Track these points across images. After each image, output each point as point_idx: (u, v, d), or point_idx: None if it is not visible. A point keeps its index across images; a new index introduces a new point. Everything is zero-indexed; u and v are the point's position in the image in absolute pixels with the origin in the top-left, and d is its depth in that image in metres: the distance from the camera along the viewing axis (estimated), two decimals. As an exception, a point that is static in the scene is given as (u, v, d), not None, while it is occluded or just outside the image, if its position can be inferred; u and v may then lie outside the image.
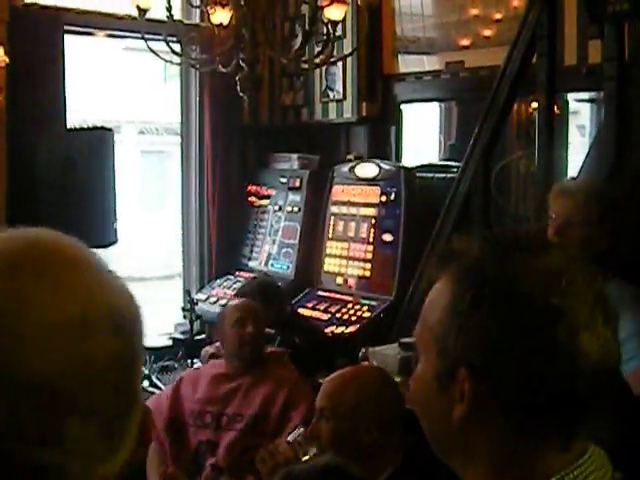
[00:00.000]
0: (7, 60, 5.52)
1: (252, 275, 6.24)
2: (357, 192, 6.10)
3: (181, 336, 6.47)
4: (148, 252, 15.27)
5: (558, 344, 1.14)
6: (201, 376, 4.14)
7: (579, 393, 1.15)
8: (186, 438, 4.03)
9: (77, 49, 6.44)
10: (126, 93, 15.62)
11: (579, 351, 1.14)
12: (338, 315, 5.74)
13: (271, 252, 6.61)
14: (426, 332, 1.25)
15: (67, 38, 6.06)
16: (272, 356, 4.16)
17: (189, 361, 5.81)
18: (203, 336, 6.74)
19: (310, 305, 5.95)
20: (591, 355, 1.14)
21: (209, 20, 4.84)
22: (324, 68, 6.22)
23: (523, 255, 1.20)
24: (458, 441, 1.23)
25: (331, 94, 6.63)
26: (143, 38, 4.82)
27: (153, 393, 4.96)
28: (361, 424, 2.80)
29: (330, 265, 6.21)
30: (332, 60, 5.28)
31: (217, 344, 5.40)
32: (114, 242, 5.84)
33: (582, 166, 5.44)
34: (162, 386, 5.64)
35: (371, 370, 3.15)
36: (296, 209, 6.49)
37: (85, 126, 6.31)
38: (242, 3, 4.69)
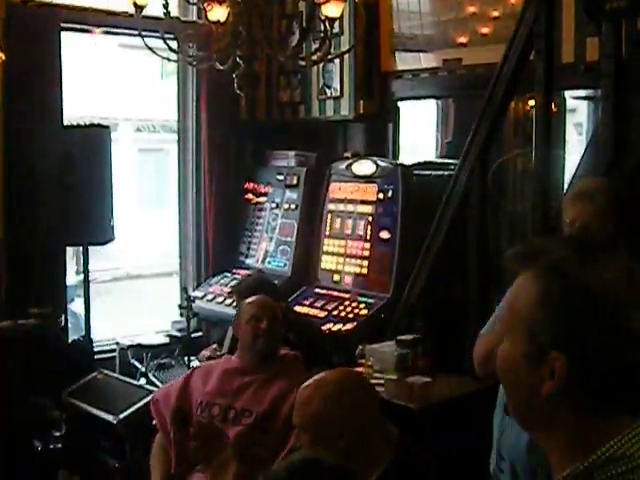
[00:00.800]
0: (3, 57, 5.51)
1: (248, 273, 6.23)
2: (354, 189, 6.10)
3: (178, 334, 6.48)
4: (145, 250, 15.26)
5: (634, 331, 1.34)
6: (213, 369, 4.12)
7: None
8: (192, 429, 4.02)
9: (73, 46, 6.42)
10: (122, 90, 15.60)
11: None
12: (335, 312, 5.74)
13: (268, 249, 6.62)
14: (513, 318, 1.43)
15: (63, 35, 6.06)
16: (286, 358, 4.14)
17: (186, 359, 5.80)
18: (200, 334, 6.75)
19: (307, 302, 5.95)
20: None
21: (206, 17, 4.82)
22: (321, 65, 6.21)
23: (600, 254, 1.41)
24: (542, 413, 1.41)
25: (328, 91, 6.63)
26: (140, 35, 4.80)
27: (150, 391, 4.96)
28: (331, 431, 2.80)
29: (327, 262, 6.21)
30: (329, 57, 5.28)
31: (214, 346, 5.40)
32: (111, 240, 5.84)
33: (579, 164, 5.44)
34: (159, 383, 5.64)
35: (333, 375, 3.12)
36: (293, 206, 6.49)
37: (82, 123, 6.29)
38: (239, 0, 4.68)
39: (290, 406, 3.78)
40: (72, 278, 8.12)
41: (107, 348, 6.39)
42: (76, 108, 8.13)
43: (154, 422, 4.10)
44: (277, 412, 3.85)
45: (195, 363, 5.37)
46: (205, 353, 5.26)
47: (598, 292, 1.34)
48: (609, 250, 1.44)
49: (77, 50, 7.70)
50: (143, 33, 4.77)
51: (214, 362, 4.38)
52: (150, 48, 4.90)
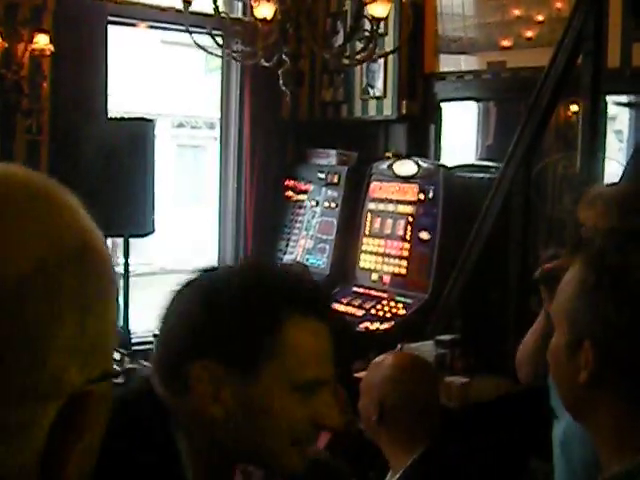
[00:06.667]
0: (52, 48, 5.57)
1: (291, 263, 6.23)
2: (395, 189, 6.10)
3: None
4: (180, 245, 15.32)
5: None
6: None
7: None
8: None
9: (116, 40, 6.47)
10: (163, 86, 15.67)
11: None
12: (373, 311, 5.75)
13: (307, 247, 6.63)
14: (559, 308, 1.47)
15: (109, 29, 6.11)
16: None
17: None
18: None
19: (345, 301, 5.96)
20: None
21: (252, 14, 4.85)
22: (365, 65, 6.22)
23: (638, 246, 1.43)
24: (584, 402, 1.44)
25: (371, 91, 6.64)
26: (188, 31, 4.83)
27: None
28: (372, 400, 2.82)
29: (365, 261, 6.22)
30: (374, 57, 5.29)
31: None
32: (152, 232, 5.88)
33: (623, 173, 5.41)
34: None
35: (407, 357, 3.16)
36: (333, 205, 6.50)
37: (125, 116, 6.34)
38: (287, -3, 4.71)
39: None
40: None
41: (145, 340, 6.42)
42: (118, 103, 8.19)
43: None
44: None
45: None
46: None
47: (630, 282, 1.37)
48: None
49: (120, 45, 7.74)
50: (189, 29, 4.82)
51: None
52: (198, 44, 4.94)
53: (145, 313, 7.57)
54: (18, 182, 0.79)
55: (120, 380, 0.82)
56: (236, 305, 1.42)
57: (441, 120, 6.56)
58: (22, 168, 0.81)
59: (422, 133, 6.54)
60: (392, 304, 5.74)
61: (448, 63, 6.43)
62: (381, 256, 6.09)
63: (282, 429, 1.43)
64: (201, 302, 1.45)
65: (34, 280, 0.72)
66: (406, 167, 6.05)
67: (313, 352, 1.46)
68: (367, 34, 4.79)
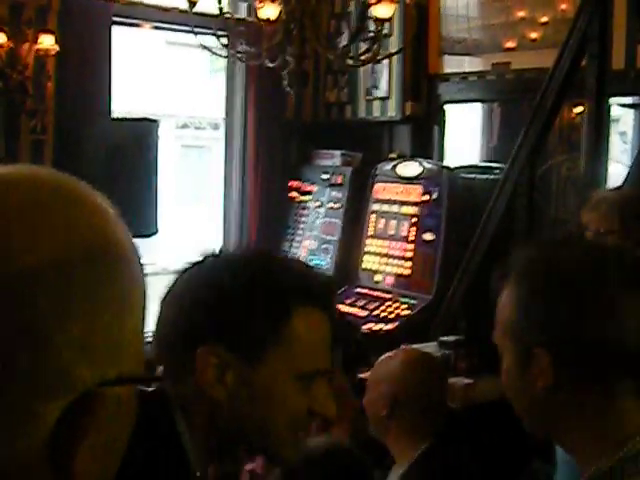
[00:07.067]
0: (57, 48, 5.57)
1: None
2: (399, 190, 6.10)
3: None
4: (182, 245, 15.32)
5: (600, 314, 1.37)
6: None
7: (625, 354, 1.36)
8: None
9: (121, 41, 6.48)
10: (168, 87, 15.67)
11: (621, 316, 1.37)
12: (376, 312, 5.75)
13: (311, 248, 6.63)
14: (501, 330, 1.47)
15: (113, 29, 6.11)
16: None
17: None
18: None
19: (348, 302, 5.95)
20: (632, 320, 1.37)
21: (256, 15, 4.85)
22: (369, 66, 6.21)
23: (566, 251, 1.47)
24: (548, 412, 1.43)
25: (375, 92, 6.64)
26: (192, 31, 4.84)
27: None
28: (380, 395, 2.83)
29: (369, 262, 6.22)
30: (378, 58, 5.29)
31: None
32: (156, 232, 5.88)
33: (627, 175, 5.40)
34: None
35: (417, 352, 3.18)
36: (337, 206, 6.50)
37: (129, 117, 6.36)
38: (291, -2, 4.71)
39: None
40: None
41: (149, 340, 6.42)
42: (122, 103, 8.20)
43: None
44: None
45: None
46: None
47: (560, 283, 1.40)
48: (574, 241, 1.56)
49: (125, 46, 7.75)
50: (194, 29, 4.82)
51: None
52: (203, 44, 4.94)
53: (149, 313, 7.59)
54: (43, 179, 0.80)
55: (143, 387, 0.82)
56: (247, 292, 1.43)
57: (445, 121, 6.56)
58: (51, 170, 0.82)
59: (426, 134, 6.54)
60: (396, 305, 5.74)
61: (452, 64, 6.44)
62: (385, 257, 6.09)
63: (282, 415, 1.45)
64: (210, 286, 1.45)
65: (48, 273, 0.73)
66: (410, 168, 6.05)
67: (318, 343, 1.49)
68: (371, 35, 4.80)
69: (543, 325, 1.39)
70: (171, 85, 15.70)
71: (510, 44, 6.08)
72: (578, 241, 1.63)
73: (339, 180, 6.52)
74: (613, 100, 6.02)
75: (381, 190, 6.26)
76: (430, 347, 4.87)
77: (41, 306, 0.72)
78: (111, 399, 0.77)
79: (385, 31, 5.16)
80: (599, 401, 1.37)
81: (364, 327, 5.56)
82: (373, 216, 6.28)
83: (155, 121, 6.02)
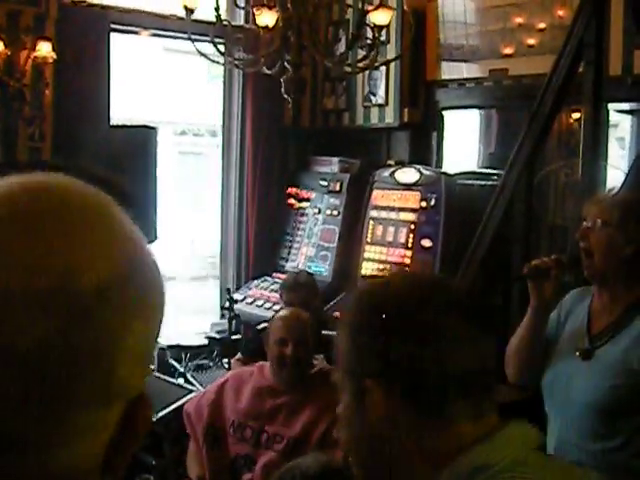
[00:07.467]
0: (55, 56, 5.58)
1: (296, 271, 6.23)
2: (397, 197, 6.10)
3: (217, 335, 6.50)
4: (180, 252, 15.33)
5: (420, 341, 1.35)
6: (246, 382, 4.02)
7: (451, 376, 1.35)
8: (225, 446, 3.94)
9: (119, 48, 6.49)
10: (165, 94, 15.68)
11: (439, 341, 1.36)
12: (375, 319, 5.73)
13: (309, 254, 6.63)
14: (339, 372, 1.46)
15: (111, 36, 6.12)
16: (319, 375, 4.04)
17: (224, 360, 5.82)
18: (238, 336, 6.77)
19: (347, 308, 5.94)
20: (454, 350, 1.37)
21: (254, 22, 4.86)
22: (366, 73, 6.23)
23: (390, 285, 1.48)
24: (384, 445, 1.40)
25: (373, 99, 6.65)
26: (190, 39, 4.84)
27: (189, 390, 4.98)
28: None
29: (368, 269, 6.21)
30: (376, 65, 5.29)
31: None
32: (154, 239, 5.88)
33: (624, 180, 5.40)
34: (196, 384, 5.65)
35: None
36: (335, 212, 6.50)
37: (127, 124, 6.36)
38: (289, 5, 4.71)
39: (321, 431, 3.73)
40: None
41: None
42: (120, 110, 8.21)
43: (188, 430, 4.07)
44: (308, 438, 3.76)
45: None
46: (240, 358, 5.27)
47: (382, 314, 1.39)
48: (401, 275, 1.63)
49: (123, 53, 7.76)
50: (191, 36, 4.82)
51: (247, 370, 4.27)
52: (200, 51, 4.94)
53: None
54: (77, 195, 0.82)
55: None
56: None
57: (443, 127, 6.56)
58: (70, 179, 0.83)
59: (424, 141, 6.55)
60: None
61: (450, 71, 6.45)
62: (383, 263, 6.09)
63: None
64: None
65: (109, 291, 0.76)
66: (408, 175, 6.06)
67: None
68: (369, 42, 4.81)
69: (370, 357, 1.39)
70: (169, 92, 15.71)
71: (508, 50, 6.09)
72: (405, 276, 1.63)
73: (337, 187, 6.52)
74: (611, 106, 6.04)
75: (379, 197, 6.26)
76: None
77: (106, 320, 0.76)
78: (147, 396, 0.83)
79: (383, 38, 5.17)
80: (434, 426, 1.37)
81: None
82: (371, 223, 6.28)
83: (153, 128, 6.03)
